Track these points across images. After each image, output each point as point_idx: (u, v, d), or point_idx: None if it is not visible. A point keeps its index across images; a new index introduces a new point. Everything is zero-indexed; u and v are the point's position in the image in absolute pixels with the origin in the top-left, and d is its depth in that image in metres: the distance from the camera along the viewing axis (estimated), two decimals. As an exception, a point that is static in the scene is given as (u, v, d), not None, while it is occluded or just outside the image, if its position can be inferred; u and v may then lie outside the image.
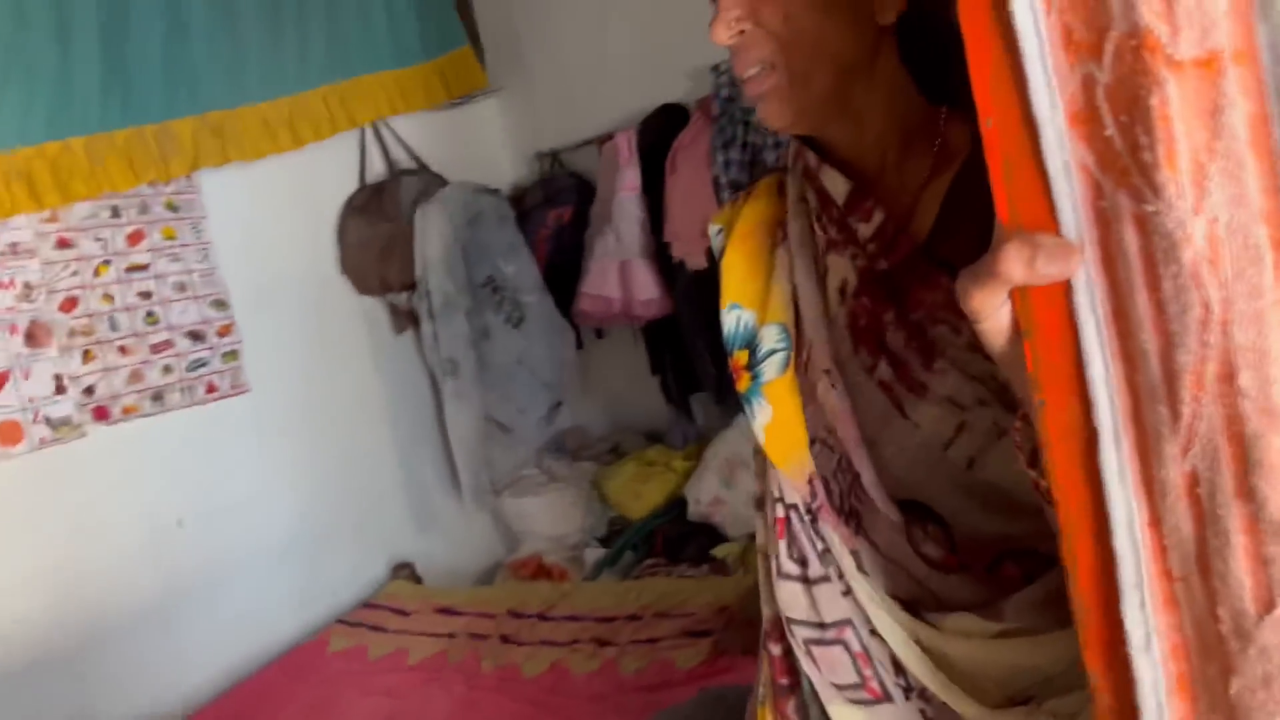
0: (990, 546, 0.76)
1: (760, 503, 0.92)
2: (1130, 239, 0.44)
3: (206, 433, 2.77)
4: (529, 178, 3.63)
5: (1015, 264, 0.47)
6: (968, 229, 0.75)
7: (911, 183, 0.80)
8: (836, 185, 0.80)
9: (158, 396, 2.68)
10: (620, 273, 3.04)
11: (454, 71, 3.39)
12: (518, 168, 3.69)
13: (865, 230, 0.78)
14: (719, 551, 2.80)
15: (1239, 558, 0.43)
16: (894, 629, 0.77)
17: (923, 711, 0.79)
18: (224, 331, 2.84)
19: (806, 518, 0.84)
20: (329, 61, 3.03)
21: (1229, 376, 0.42)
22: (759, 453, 0.91)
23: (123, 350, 2.62)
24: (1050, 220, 0.47)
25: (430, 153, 3.37)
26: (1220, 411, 0.42)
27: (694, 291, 2.91)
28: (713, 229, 0.94)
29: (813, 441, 0.82)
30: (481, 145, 3.65)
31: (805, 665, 0.86)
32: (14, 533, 2.39)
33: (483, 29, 3.57)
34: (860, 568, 0.80)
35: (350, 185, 3.22)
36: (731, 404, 3.02)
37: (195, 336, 2.77)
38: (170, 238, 2.75)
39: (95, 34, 2.46)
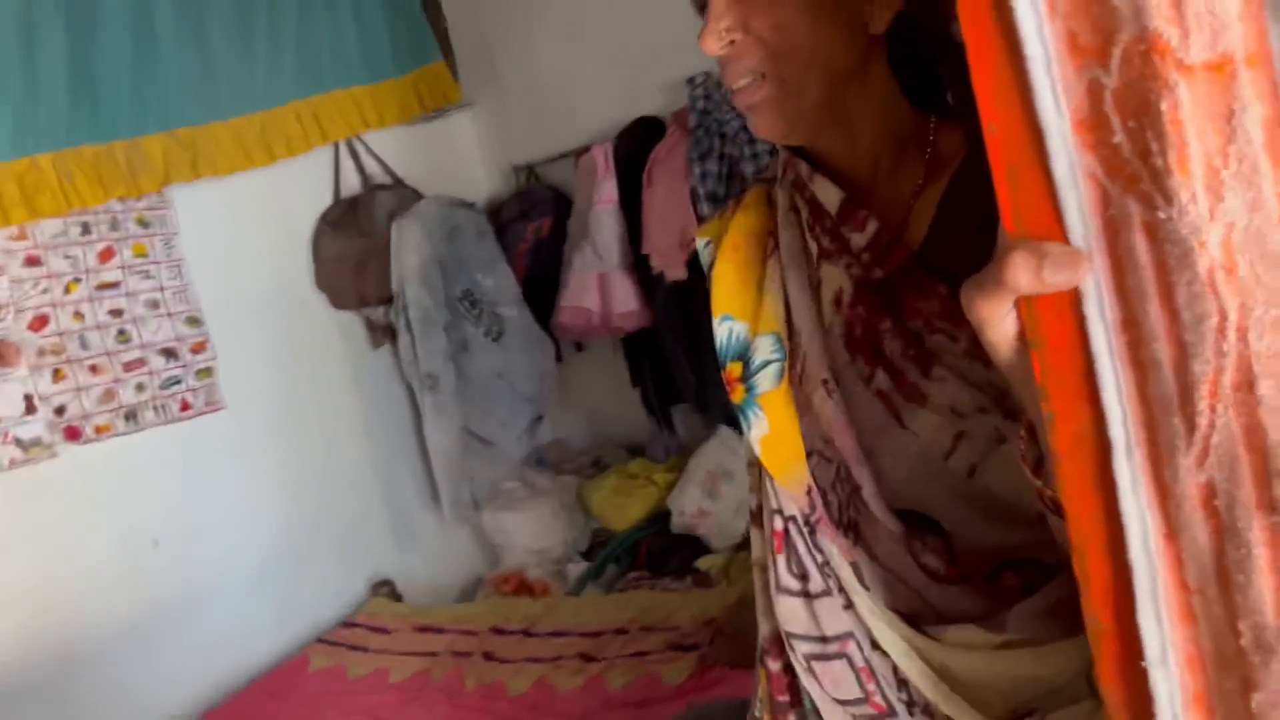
0: (990, 557, 0.75)
1: (756, 516, 0.91)
2: (1141, 246, 0.43)
3: (181, 451, 2.73)
4: (505, 191, 3.61)
5: (1022, 273, 0.46)
6: (963, 237, 0.75)
7: (904, 191, 0.79)
8: (829, 195, 0.79)
9: (131, 415, 2.63)
10: (599, 285, 3.03)
11: (427, 85, 3.37)
12: (493, 181, 3.68)
13: (859, 240, 0.77)
14: (703, 563, 2.79)
15: (1260, 570, 0.42)
16: (895, 642, 0.76)
17: (926, 725, 0.78)
18: (198, 348, 2.80)
19: (805, 530, 0.83)
20: (301, 76, 3.01)
21: (1248, 385, 0.41)
22: (754, 465, 0.90)
23: (94, 369, 2.58)
24: (1057, 228, 0.46)
25: (405, 167, 3.35)
26: (1239, 421, 0.42)
27: (674, 303, 2.90)
28: (700, 242, 0.93)
29: (810, 453, 0.81)
30: (456, 159, 3.63)
31: (806, 681, 0.85)
32: (-16, 557, 2.34)
33: (456, 42, 3.56)
34: (860, 580, 0.79)
35: (324, 200, 3.19)
36: (712, 416, 3.01)
37: (169, 354, 2.73)
38: (142, 254, 2.71)
39: (62, 49, 2.43)
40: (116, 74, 2.55)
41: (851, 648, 0.80)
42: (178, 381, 2.73)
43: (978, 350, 0.73)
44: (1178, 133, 0.40)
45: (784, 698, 0.89)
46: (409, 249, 3.08)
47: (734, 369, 0.85)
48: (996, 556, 0.75)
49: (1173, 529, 0.45)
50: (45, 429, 2.47)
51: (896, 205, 0.79)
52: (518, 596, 2.98)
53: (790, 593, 0.84)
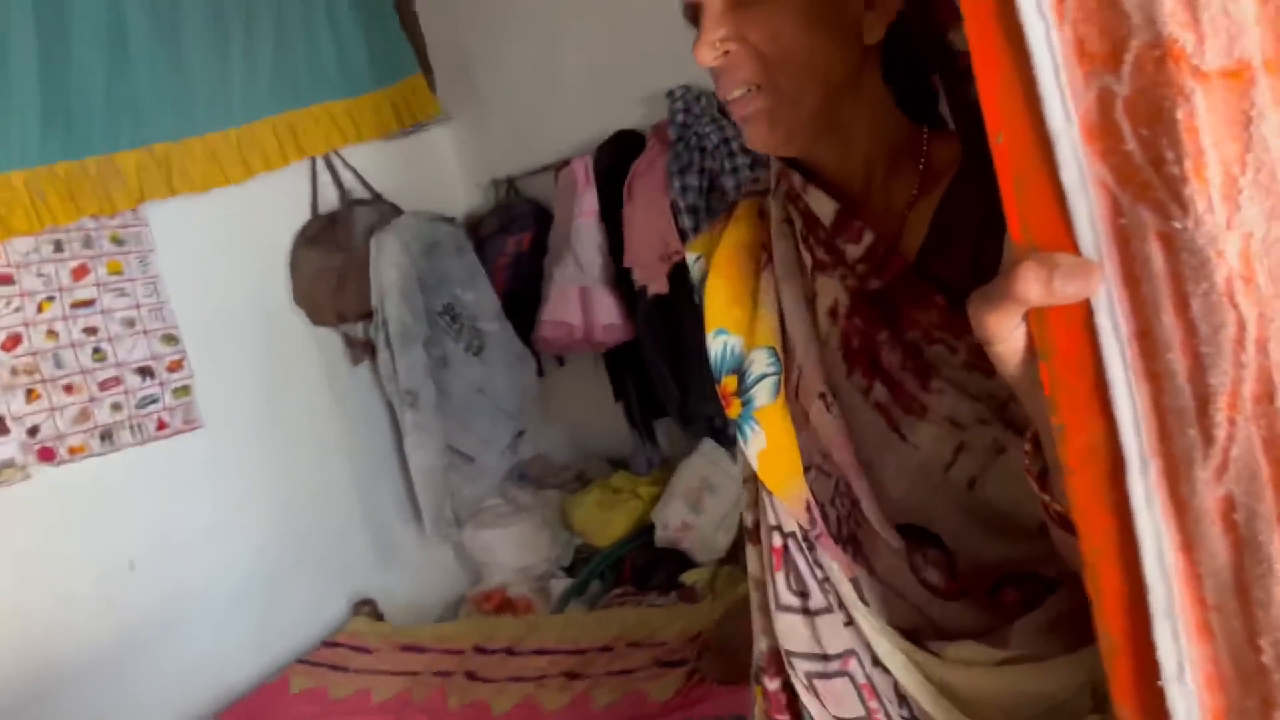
0: (991, 571, 0.75)
1: (754, 533, 0.90)
2: (1155, 256, 0.42)
3: (158, 471, 2.69)
4: (484, 205, 3.60)
5: (1032, 284, 0.45)
6: (959, 247, 0.74)
7: (898, 202, 0.78)
8: (823, 206, 0.79)
9: (106, 435, 2.59)
10: (581, 299, 3.02)
11: (405, 100, 3.36)
12: (472, 196, 3.66)
13: (855, 251, 0.77)
14: (688, 578, 2.77)
15: (1283, 585, 0.41)
16: (897, 658, 0.75)
17: (929, 742, 0.77)
18: (174, 367, 2.77)
19: (805, 546, 0.82)
20: (278, 91, 2.98)
21: (1268, 396, 0.40)
22: (751, 480, 0.89)
23: (68, 388, 2.54)
24: (1067, 238, 0.45)
25: (383, 182, 3.33)
26: (1259, 433, 0.41)
27: (656, 316, 2.89)
28: (691, 256, 0.92)
29: (807, 468, 0.80)
30: (435, 173, 3.61)
31: (806, 699, 0.84)
32: (-45, 582, 2.29)
33: (434, 57, 3.55)
34: (860, 596, 0.78)
35: (302, 216, 3.16)
36: (695, 428, 3.00)
37: (145, 373, 2.69)
38: (116, 272, 2.67)
39: (34, 65, 2.39)
40: (90, 89, 2.52)
41: (853, 665, 0.79)
42: (154, 400, 2.69)
43: (977, 361, 0.72)
44: (1193, 140, 0.40)
45: (782, 717, 0.88)
46: (388, 264, 3.06)
47: (729, 383, 0.84)
48: (997, 570, 0.75)
49: (1189, 543, 0.44)
50: (18, 450, 2.42)
51: (891, 216, 0.79)
52: (500, 615, 2.95)
53: (790, 610, 0.83)
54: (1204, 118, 0.39)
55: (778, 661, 0.86)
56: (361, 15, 3.21)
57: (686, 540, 2.87)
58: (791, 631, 0.83)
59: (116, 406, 2.62)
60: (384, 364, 3.09)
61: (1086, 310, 0.45)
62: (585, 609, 2.86)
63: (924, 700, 0.74)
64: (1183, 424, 0.43)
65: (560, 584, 3.04)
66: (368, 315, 3.13)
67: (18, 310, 2.47)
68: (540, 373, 3.37)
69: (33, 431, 2.46)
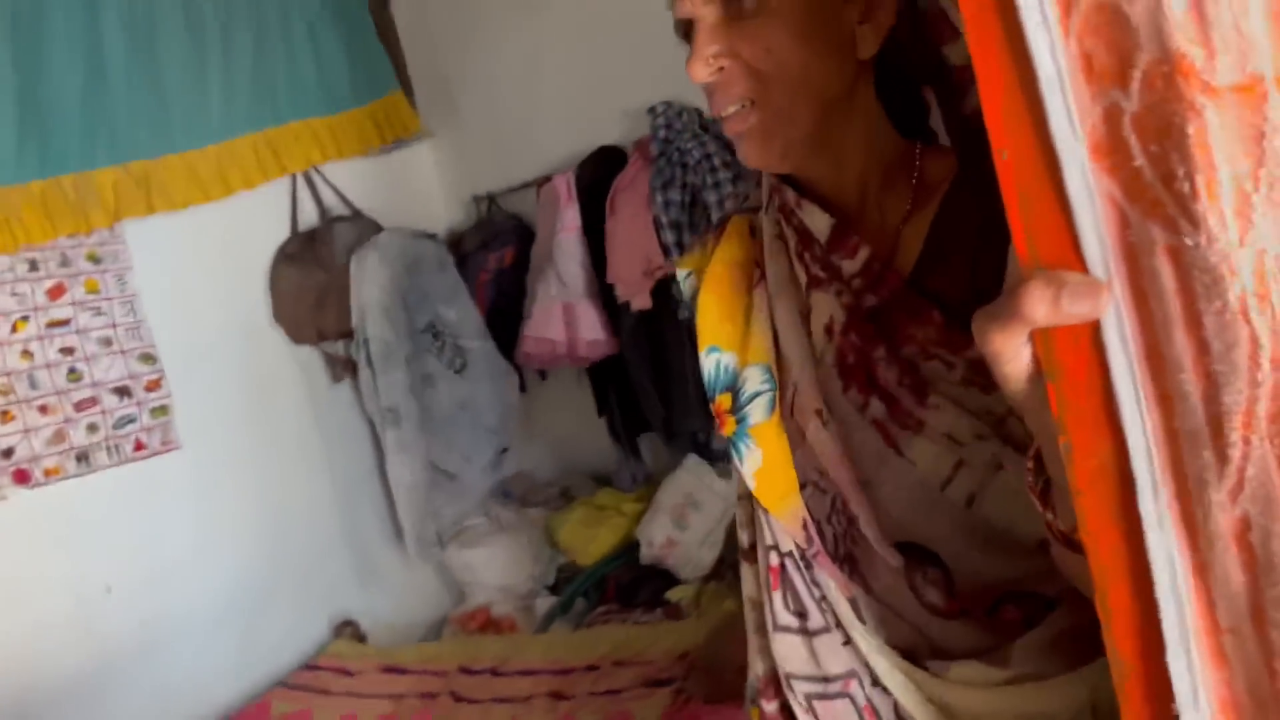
0: (990, 589, 0.74)
1: (749, 552, 0.89)
2: (1165, 274, 0.42)
3: (136, 493, 2.65)
4: (465, 222, 3.58)
5: (1038, 303, 0.45)
6: (955, 262, 0.74)
7: (892, 217, 0.78)
8: (818, 222, 0.78)
9: (82, 457, 2.55)
10: (564, 314, 3.00)
11: (386, 116, 3.34)
12: (453, 212, 3.64)
13: (850, 266, 0.76)
14: (673, 595, 2.75)
15: (1302, 608, 0.41)
16: (896, 678, 0.74)
17: (931, 764, 0.76)
18: (152, 386, 2.73)
19: (803, 565, 0.81)
20: (257, 108, 2.96)
21: (1285, 416, 0.40)
22: (746, 499, 0.88)
23: (44, 409, 2.50)
24: (1074, 256, 0.44)
25: (364, 198, 3.31)
26: (1275, 453, 0.40)
27: (640, 331, 2.88)
28: (681, 273, 0.91)
29: (804, 485, 0.79)
30: (416, 190, 3.60)
31: (805, 720, 0.83)
32: (-73, 608, 2.25)
33: (414, 73, 3.54)
34: (858, 615, 0.77)
35: (282, 233, 3.13)
36: (679, 444, 2.99)
37: (122, 393, 2.66)
38: (93, 291, 2.64)
39: (9, 82, 2.37)
40: (66, 107, 2.49)
41: (854, 686, 0.78)
42: (131, 421, 2.66)
43: (974, 376, 0.72)
44: (1205, 156, 0.39)
45: (781, 739, 0.87)
46: (369, 281, 3.04)
47: (723, 401, 0.83)
48: (996, 588, 0.74)
49: (1202, 566, 0.44)
50: (-8, 473, 2.38)
51: (885, 232, 0.78)
52: (484, 634, 2.92)
53: (788, 630, 0.82)
54: (1216, 133, 0.39)
55: (776, 683, 0.85)
56: (341, 31, 3.20)
57: (671, 557, 2.86)
58: (791, 653, 0.82)
59: (93, 427, 2.58)
60: (365, 382, 3.06)
61: (1094, 329, 0.45)
62: (570, 628, 2.83)
63: (925, 722, 0.73)
64: (1196, 444, 0.42)
65: (545, 603, 3.01)
66: (348, 333, 3.10)
67: (-8, 331, 2.43)
68: (522, 389, 3.35)
69: (7, 454, 2.42)
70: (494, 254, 3.30)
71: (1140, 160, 0.41)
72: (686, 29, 0.76)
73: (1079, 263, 0.44)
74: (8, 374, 2.45)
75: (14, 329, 2.47)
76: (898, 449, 0.73)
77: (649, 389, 2.91)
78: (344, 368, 3.16)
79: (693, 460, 2.92)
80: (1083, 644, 0.70)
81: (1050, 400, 0.47)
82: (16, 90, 2.38)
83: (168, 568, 2.69)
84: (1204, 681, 0.44)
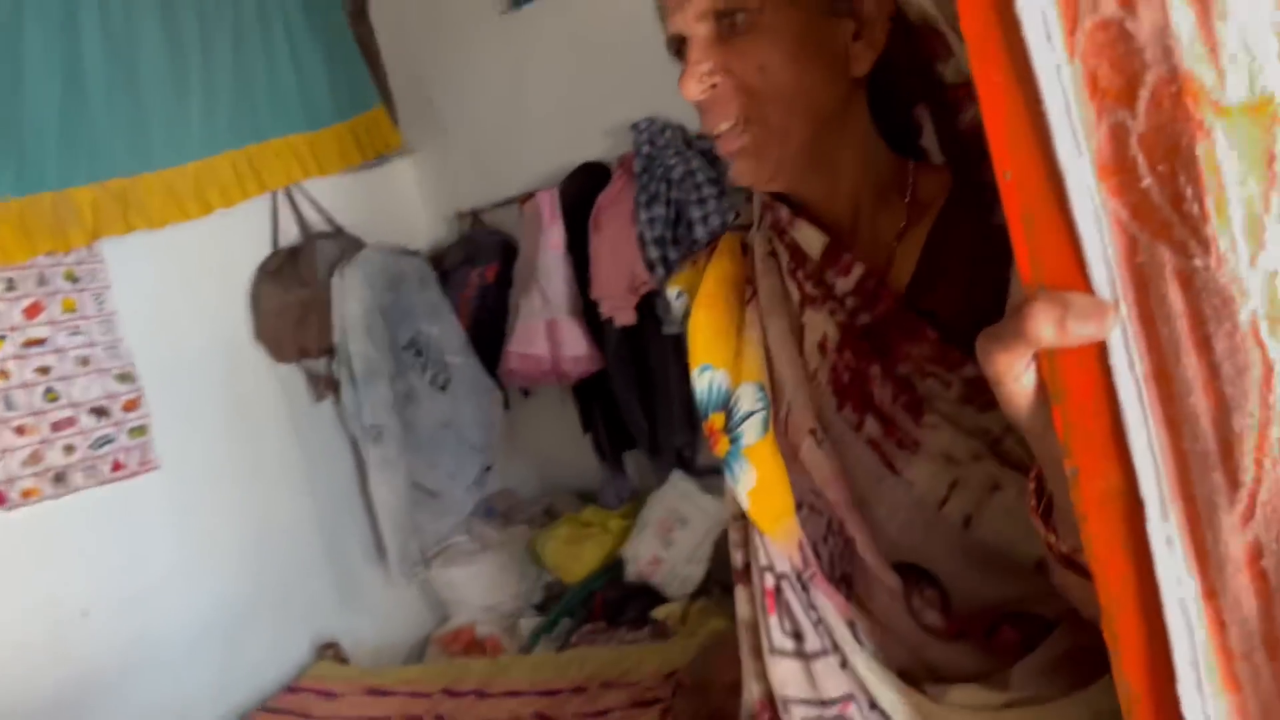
0: (988, 610, 0.73)
1: (742, 574, 0.88)
2: (1173, 296, 0.41)
3: (113, 514, 2.61)
4: (448, 238, 3.57)
5: (1044, 325, 0.44)
6: (949, 280, 0.74)
7: (886, 235, 0.77)
8: (811, 240, 0.78)
9: (59, 478, 2.51)
10: (548, 331, 2.99)
11: (367, 133, 3.33)
12: (436, 228, 3.63)
13: (844, 284, 0.76)
14: (659, 613, 2.73)
15: (1318, 635, 0.40)
16: (895, 702, 0.73)
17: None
18: (130, 406, 2.70)
19: (799, 587, 0.80)
20: (237, 125, 2.94)
21: (1299, 440, 0.39)
22: (740, 519, 0.87)
23: (20, 430, 2.46)
24: (1079, 277, 0.44)
25: (345, 215, 3.29)
26: (1289, 478, 0.40)
27: (624, 348, 2.87)
28: (672, 292, 0.90)
29: (799, 506, 0.79)
30: (398, 206, 3.58)
31: (802, 745, 0.82)
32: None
33: (395, 89, 3.53)
34: (856, 638, 0.76)
35: (263, 250, 3.11)
36: (664, 460, 2.98)
37: (100, 413, 2.62)
38: (71, 310, 2.61)
39: (-13, 99, 2.35)
40: (44, 124, 2.46)
41: (852, 710, 0.77)
42: (109, 441, 2.62)
43: (971, 395, 0.71)
44: (1215, 178, 0.39)
45: (777, 763, 0.86)
46: (351, 298, 3.02)
47: (716, 420, 0.82)
48: (994, 610, 0.74)
49: (1213, 591, 0.43)
50: (-33, 495, 2.35)
51: (878, 249, 0.78)
52: (468, 655, 2.89)
53: (784, 654, 0.81)
54: (1225, 154, 0.38)
55: (772, 707, 0.84)
56: (322, 47, 3.18)
57: (657, 574, 2.84)
58: (788, 676, 0.81)
59: (70, 448, 2.55)
60: (347, 400, 3.03)
61: (1101, 350, 0.44)
62: (555, 647, 2.81)
63: (924, 746, 0.72)
64: (1205, 468, 0.42)
65: (529, 622, 2.99)
66: (330, 350, 3.08)
67: (-33, 350, 2.40)
68: (506, 405, 3.33)
69: (-18, 475, 2.38)
70: (477, 270, 3.28)
71: (1148, 181, 0.41)
72: (678, 46, 0.75)
73: (1084, 284, 0.44)
74: (-17, 394, 2.41)
75: (-10, 349, 2.44)
76: (894, 468, 0.73)
77: (634, 405, 2.90)
78: (326, 385, 3.14)
79: (678, 476, 2.91)
80: (1082, 666, 0.70)
81: (1055, 423, 0.47)
82: (-7, 108, 2.35)
83: (147, 590, 2.65)
84: (1216, 709, 0.44)
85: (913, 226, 0.76)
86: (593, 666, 2.40)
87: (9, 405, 2.45)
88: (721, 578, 2.67)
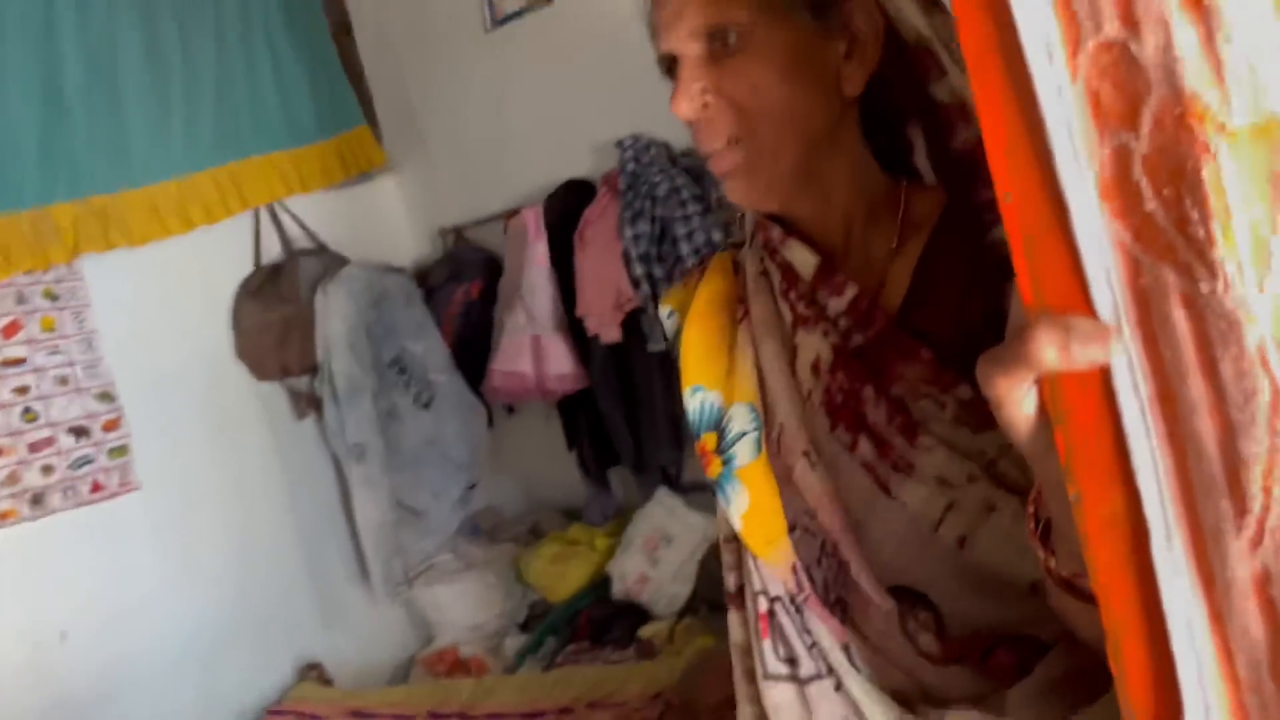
0: (983, 633, 0.72)
1: (735, 597, 0.87)
2: (1178, 319, 0.41)
3: (92, 536, 2.57)
4: (432, 255, 3.55)
5: (1046, 348, 0.44)
6: (942, 300, 0.73)
7: (878, 255, 0.77)
8: (804, 260, 0.77)
9: (37, 499, 2.48)
10: (533, 348, 2.98)
11: (351, 149, 3.31)
12: (420, 245, 3.61)
13: (836, 305, 0.75)
14: (645, 632, 2.71)
15: (1329, 665, 0.39)
16: None
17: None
18: (110, 426, 2.66)
19: (793, 610, 0.79)
20: (219, 141, 2.92)
21: (1309, 466, 0.39)
22: (732, 541, 0.86)
23: (-3, 451, 2.43)
24: (1082, 300, 0.43)
25: (328, 232, 3.27)
26: (1298, 505, 0.39)
27: (609, 364, 2.86)
28: (664, 311, 0.90)
29: (792, 528, 0.78)
30: (382, 223, 3.56)
31: (796, 769, 0.81)
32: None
33: (379, 105, 3.52)
34: (851, 662, 0.75)
35: (245, 267, 3.08)
36: (650, 477, 2.97)
37: (79, 432, 2.59)
38: (50, 329, 2.58)
39: (-36, 115, 2.32)
40: (23, 140, 2.44)
41: (847, 733, 0.76)
42: (89, 461, 2.59)
43: (965, 416, 0.71)
44: (1220, 201, 0.38)
45: (770, 788, 0.84)
46: (334, 316, 3.00)
47: (708, 441, 0.82)
48: (989, 633, 0.73)
49: (1220, 618, 0.43)
50: (-58, 517, 2.31)
51: (871, 269, 0.77)
52: (453, 676, 2.86)
53: (778, 678, 0.80)
54: (1231, 176, 0.38)
55: (766, 732, 0.83)
56: (305, 64, 3.17)
57: (644, 592, 2.82)
58: (783, 703, 0.80)
59: (48, 469, 2.51)
60: (330, 418, 3.01)
61: (1104, 374, 0.44)
62: (540, 667, 2.78)
63: (921, 771, 0.71)
64: (1212, 493, 0.41)
65: (515, 642, 2.96)
66: (313, 368, 3.05)
67: (-57, 370, 2.36)
68: (491, 423, 3.31)
69: (-42, 497, 2.34)
70: (461, 287, 3.27)
71: (1152, 204, 0.40)
72: (670, 64, 0.75)
73: (1087, 307, 0.43)
74: (-40, 414, 2.38)
75: (-33, 368, 2.41)
76: (887, 491, 0.72)
77: (619, 422, 2.89)
78: (308, 404, 3.11)
79: (664, 493, 2.90)
80: (1078, 689, 0.69)
81: (1057, 446, 0.46)
82: (-29, 124, 2.33)
83: (126, 612, 2.61)
84: (1224, 738, 0.43)
85: (905, 246, 0.76)
86: (579, 687, 2.38)
87: (-14, 425, 2.42)
88: (708, 595, 2.66)
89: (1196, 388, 0.41)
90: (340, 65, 3.32)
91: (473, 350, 3.18)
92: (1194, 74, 0.38)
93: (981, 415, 0.70)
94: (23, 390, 2.49)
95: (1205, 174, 0.38)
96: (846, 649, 0.76)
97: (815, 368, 0.76)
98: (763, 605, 0.81)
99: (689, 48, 0.72)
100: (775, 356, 0.79)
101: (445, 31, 3.31)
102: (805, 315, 0.77)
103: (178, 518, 2.76)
